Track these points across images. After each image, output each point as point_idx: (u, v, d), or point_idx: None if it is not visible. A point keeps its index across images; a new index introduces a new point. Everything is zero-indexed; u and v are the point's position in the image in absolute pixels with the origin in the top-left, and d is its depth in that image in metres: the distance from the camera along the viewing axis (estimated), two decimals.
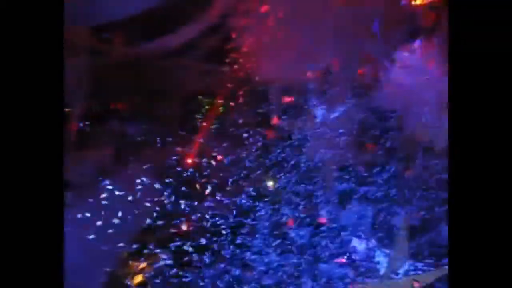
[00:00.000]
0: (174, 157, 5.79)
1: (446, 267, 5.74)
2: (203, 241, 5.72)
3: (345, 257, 5.76)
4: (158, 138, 5.76)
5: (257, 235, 5.79)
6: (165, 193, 5.74)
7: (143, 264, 5.65)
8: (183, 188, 5.80)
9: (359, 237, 5.79)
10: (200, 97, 5.91)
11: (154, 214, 5.72)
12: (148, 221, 5.71)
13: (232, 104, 5.94)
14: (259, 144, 5.97)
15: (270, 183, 5.91)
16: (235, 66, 5.90)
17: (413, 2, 5.66)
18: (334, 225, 5.80)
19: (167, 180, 5.76)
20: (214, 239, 5.74)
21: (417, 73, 5.76)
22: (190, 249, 5.65)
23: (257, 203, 5.84)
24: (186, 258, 5.71)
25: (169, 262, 5.66)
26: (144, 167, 5.66)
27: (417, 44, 5.74)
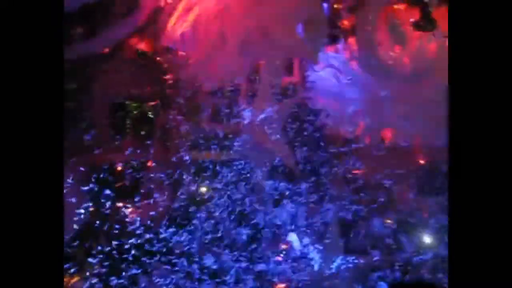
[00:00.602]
0: (105, 164, 5.61)
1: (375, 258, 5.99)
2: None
3: (281, 255, 5.83)
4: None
5: (193, 241, 5.72)
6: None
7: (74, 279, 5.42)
8: (114, 195, 5.64)
9: (293, 234, 5.88)
10: (128, 102, 5.76)
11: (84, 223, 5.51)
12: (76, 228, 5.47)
13: (161, 108, 5.84)
14: (189, 148, 5.91)
15: (202, 188, 5.87)
16: (163, 69, 5.82)
17: (335, 5, 5.87)
18: (269, 224, 5.86)
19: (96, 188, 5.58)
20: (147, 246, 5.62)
21: (341, 73, 5.97)
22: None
23: (190, 209, 5.78)
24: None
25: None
26: (72, 174, 5.42)
27: (339, 45, 5.94)
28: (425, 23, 5.82)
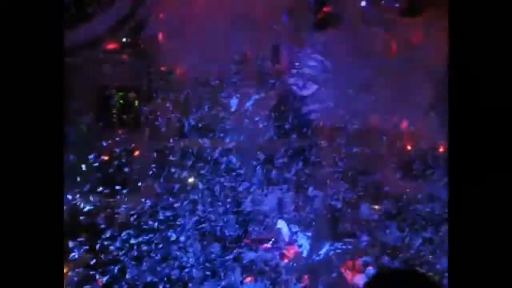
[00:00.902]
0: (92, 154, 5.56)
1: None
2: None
3: (270, 242, 5.84)
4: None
5: (180, 230, 5.71)
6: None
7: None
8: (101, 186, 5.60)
9: (282, 221, 5.89)
10: (113, 91, 5.69)
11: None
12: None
13: (147, 97, 5.79)
14: (177, 137, 5.87)
15: (190, 177, 5.84)
16: (149, 58, 5.75)
17: None
18: (258, 211, 5.86)
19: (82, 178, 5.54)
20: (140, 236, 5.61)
21: (328, 59, 5.95)
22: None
23: (178, 197, 5.75)
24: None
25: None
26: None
27: (327, 32, 5.92)
28: (411, 9, 5.84)
